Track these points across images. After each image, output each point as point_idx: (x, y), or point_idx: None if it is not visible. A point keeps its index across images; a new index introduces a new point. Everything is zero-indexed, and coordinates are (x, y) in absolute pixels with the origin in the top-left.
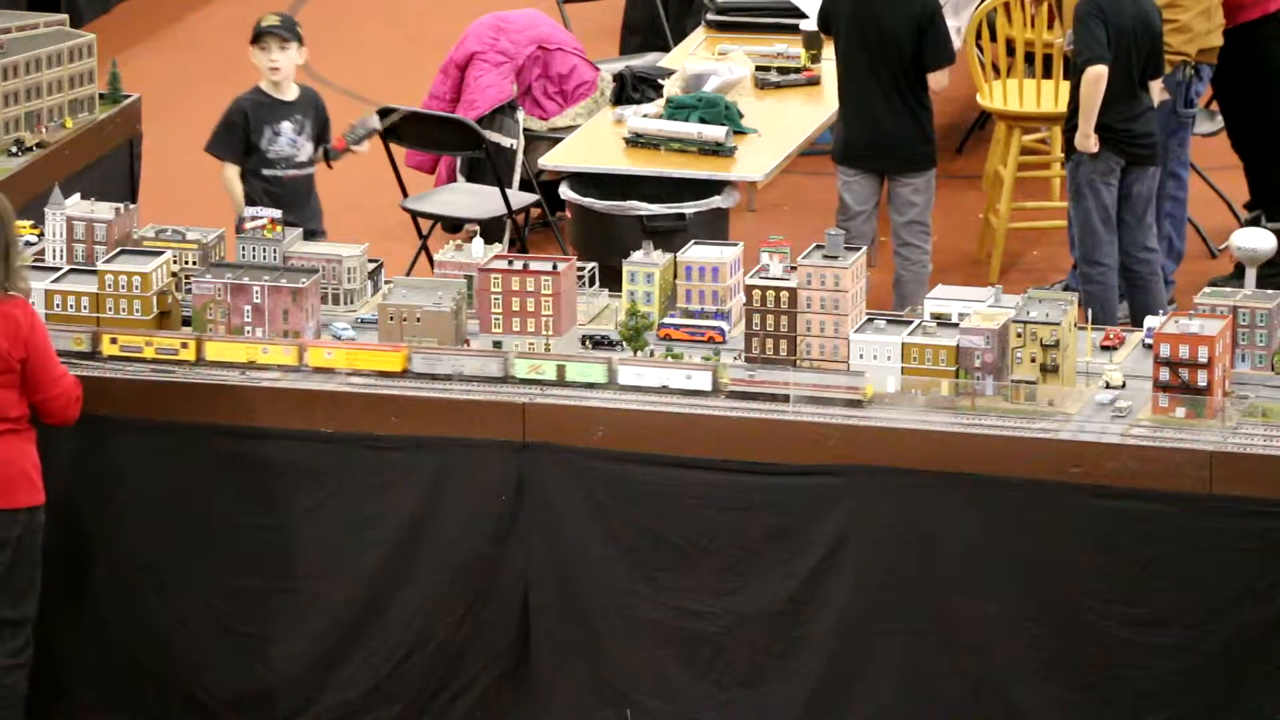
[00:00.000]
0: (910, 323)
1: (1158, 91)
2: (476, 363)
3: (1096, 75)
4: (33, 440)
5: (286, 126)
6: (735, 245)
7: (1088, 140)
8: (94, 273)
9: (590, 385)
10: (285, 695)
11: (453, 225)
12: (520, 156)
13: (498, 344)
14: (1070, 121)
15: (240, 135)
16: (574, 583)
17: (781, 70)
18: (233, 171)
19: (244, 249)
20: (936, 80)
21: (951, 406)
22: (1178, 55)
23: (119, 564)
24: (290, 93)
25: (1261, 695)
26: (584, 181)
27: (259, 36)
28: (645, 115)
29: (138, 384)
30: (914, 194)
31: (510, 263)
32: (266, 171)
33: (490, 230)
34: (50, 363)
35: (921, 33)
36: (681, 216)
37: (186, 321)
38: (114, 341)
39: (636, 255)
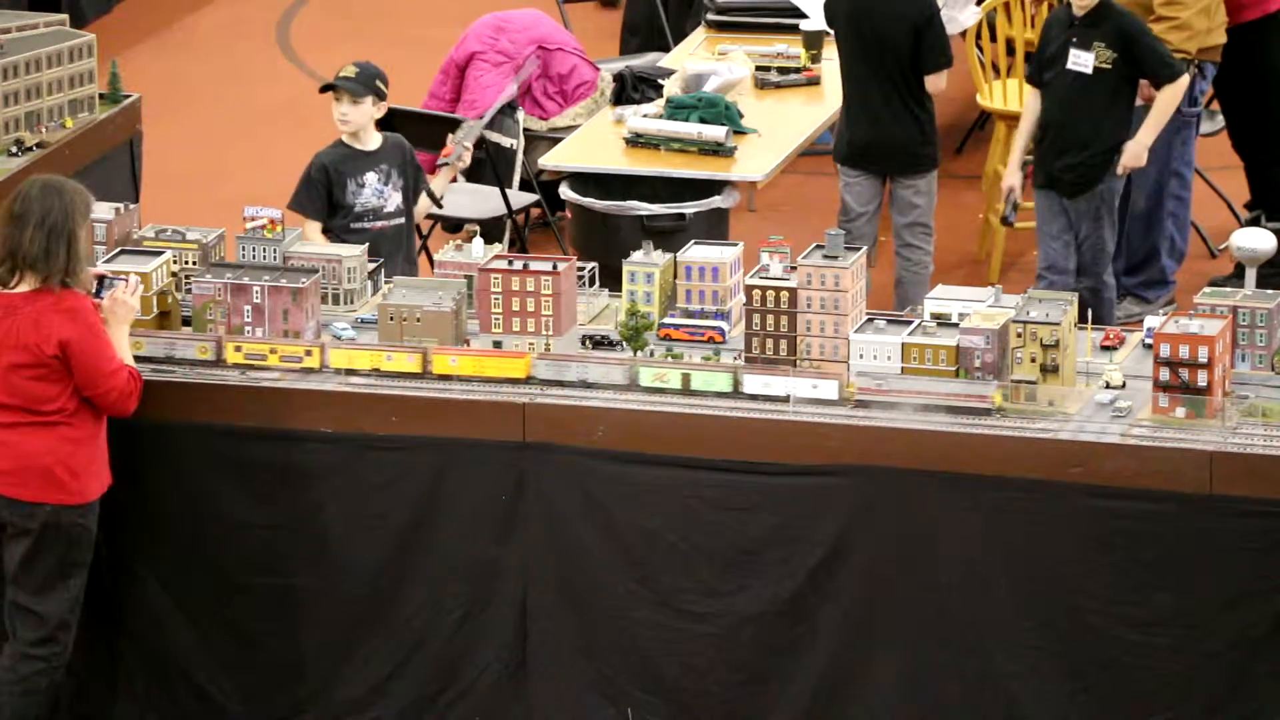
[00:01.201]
0: (910, 323)
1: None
2: (600, 370)
3: (1185, 85)
4: (76, 438)
5: (371, 178)
6: (735, 245)
7: (1143, 155)
8: None
9: (589, 385)
10: (285, 695)
11: (453, 225)
12: (520, 156)
13: (498, 343)
14: (1106, 144)
15: (321, 191)
16: (574, 583)
17: (781, 70)
18: (313, 229)
19: (244, 249)
20: (933, 84)
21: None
22: (1178, 53)
23: (120, 562)
24: (372, 142)
25: (1261, 695)
26: (584, 181)
27: (330, 87)
28: (645, 115)
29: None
30: (915, 195)
31: (510, 263)
32: (355, 225)
33: (490, 230)
34: (98, 359)
35: (918, 36)
36: (681, 216)
37: (186, 321)
38: (239, 350)
39: (636, 255)
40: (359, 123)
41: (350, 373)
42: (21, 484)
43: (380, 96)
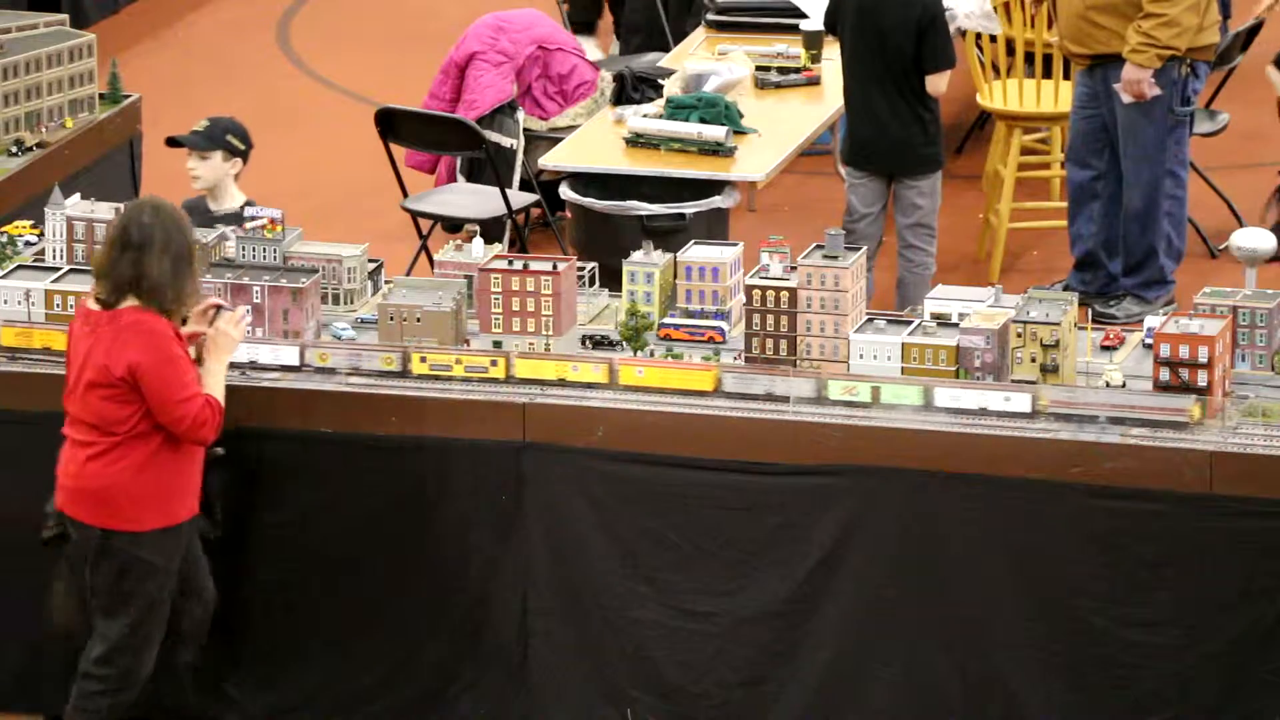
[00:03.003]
0: (910, 323)
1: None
2: (786, 384)
3: None
4: (141, 464)
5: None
6: (735, 245)
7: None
8: None
9: (590, 385)
10: (285, 695)
11: (453, 225)
12: (520, 156)
13: (498, 343)
14: None
15: None
16: (574, 583)
17: (781, 70)
18: None
19: (244, 249)
20: (934, 84)
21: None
22: (1167, 50)
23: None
24: (227, 202)
25: (1261, 695)
26: (584, 181)
27: (175, 142)
28: (645, 115)
29: None
30: (919, 196)
31: (510, 263)
32: None
33: (490, 230)
34: (169, 386)
35: (921, 35)
36: (681, 216)
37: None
38: (424, 360)
39: (636, 255)
40: (209, 179)
41: (353, 372)
42: (78, 503)
43: (233, 152)
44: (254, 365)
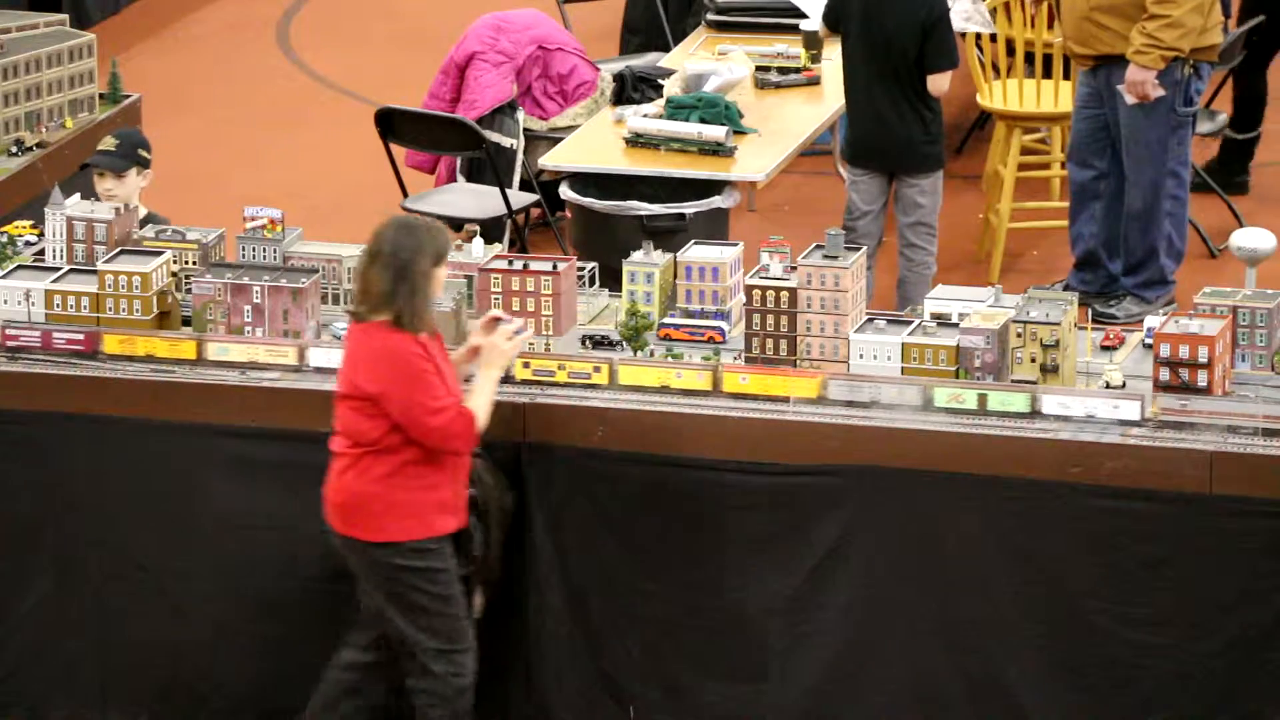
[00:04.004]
0: (910, 323)
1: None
2: (894, 390)
3: None
4: (388, 474)
5: None
6: (735, 245)
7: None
8: (94, 273)
9: (590, 386)
10: (285, 695)
11: (453, 225)
12: (520, 156)
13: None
14: None
15: None
16: (575, 582)
17: (781, 70)
18: None
19: (244, 249)
20: (935, 84)
21: None
22: (1171, 51)
23: (119, 563)
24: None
25: (1261, 695)
26: (584, 181)
27: (87, 165)
28: (645, 115)
29: (138, 384)
30: (920, 195)
31: (510, 263)
32: None
33: (490, 230)
34: (414, 400)
35: (925, 35)
36: (681, 216)
37: (186, 321)
38: (527, 366)
39: (636, 255)
40: (123, 196)
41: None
42: (334, 515)
43: (144, 165)
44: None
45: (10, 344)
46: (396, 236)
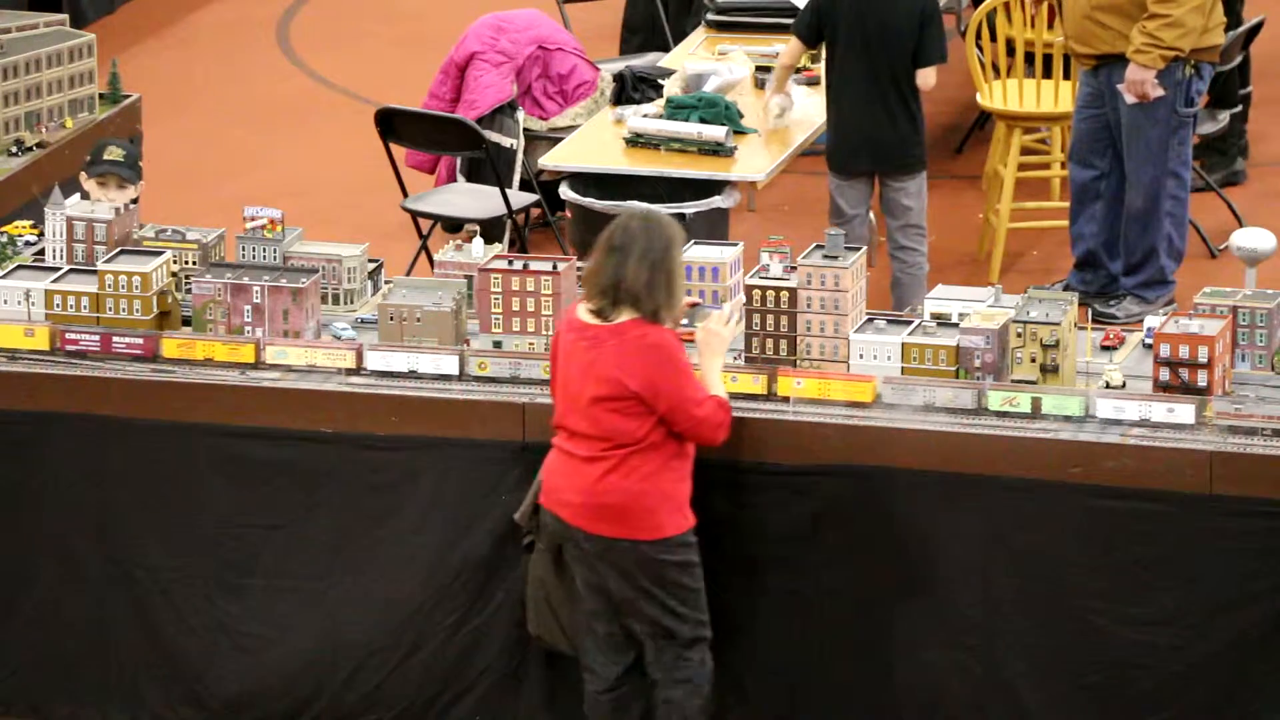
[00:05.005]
0: (910, 323)
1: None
2: (949, 393)
3: None
4: (652, 472)
5: None
6: (735, 245)
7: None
8: (94, 273)
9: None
10: (285, 696)
11: (453, 225)
12: (520, 156)
13: (498, 343)
14: None
15: None
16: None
17: None
18: None
19: (244, 249)
20: (924, 78)
21: None
22: (1171, 51)
23: (119, 563)
24: None
25: (1261, 695)
26: (584, 181)
27: (93, 168)
28: (645, 115)
29: (138, 384)
30: (907, 197)
31: (510, 263)
32: None
33: (490, 230)
34: (682, 393)
35: (922, 26)
36: (682, 216)
37: (186, 321)
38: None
39: None
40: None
41: (350, 373)
42: (596, 518)
43: (140, 175)
44: (413, 374)
45: (70, 348)
46: (648, 230)
